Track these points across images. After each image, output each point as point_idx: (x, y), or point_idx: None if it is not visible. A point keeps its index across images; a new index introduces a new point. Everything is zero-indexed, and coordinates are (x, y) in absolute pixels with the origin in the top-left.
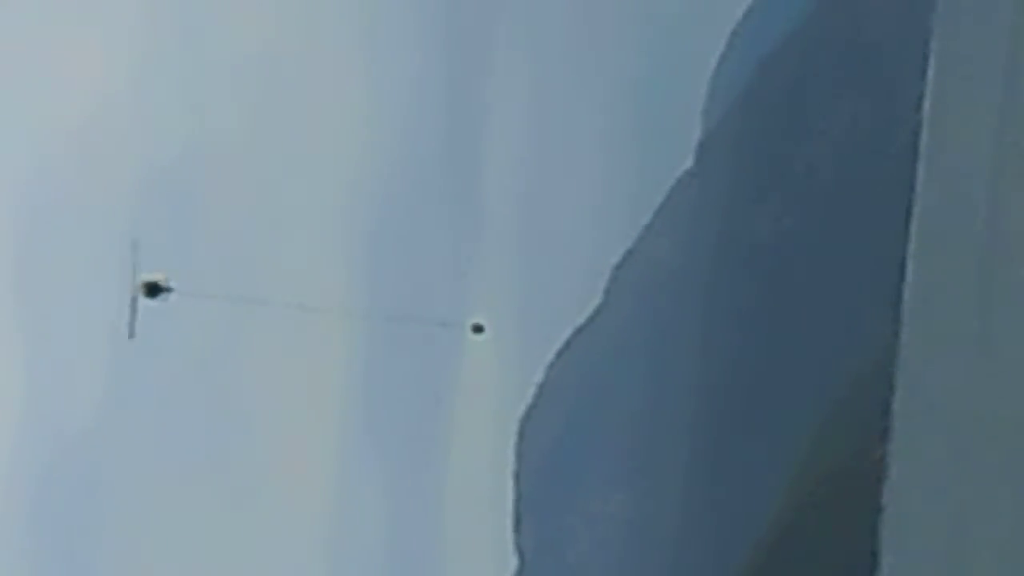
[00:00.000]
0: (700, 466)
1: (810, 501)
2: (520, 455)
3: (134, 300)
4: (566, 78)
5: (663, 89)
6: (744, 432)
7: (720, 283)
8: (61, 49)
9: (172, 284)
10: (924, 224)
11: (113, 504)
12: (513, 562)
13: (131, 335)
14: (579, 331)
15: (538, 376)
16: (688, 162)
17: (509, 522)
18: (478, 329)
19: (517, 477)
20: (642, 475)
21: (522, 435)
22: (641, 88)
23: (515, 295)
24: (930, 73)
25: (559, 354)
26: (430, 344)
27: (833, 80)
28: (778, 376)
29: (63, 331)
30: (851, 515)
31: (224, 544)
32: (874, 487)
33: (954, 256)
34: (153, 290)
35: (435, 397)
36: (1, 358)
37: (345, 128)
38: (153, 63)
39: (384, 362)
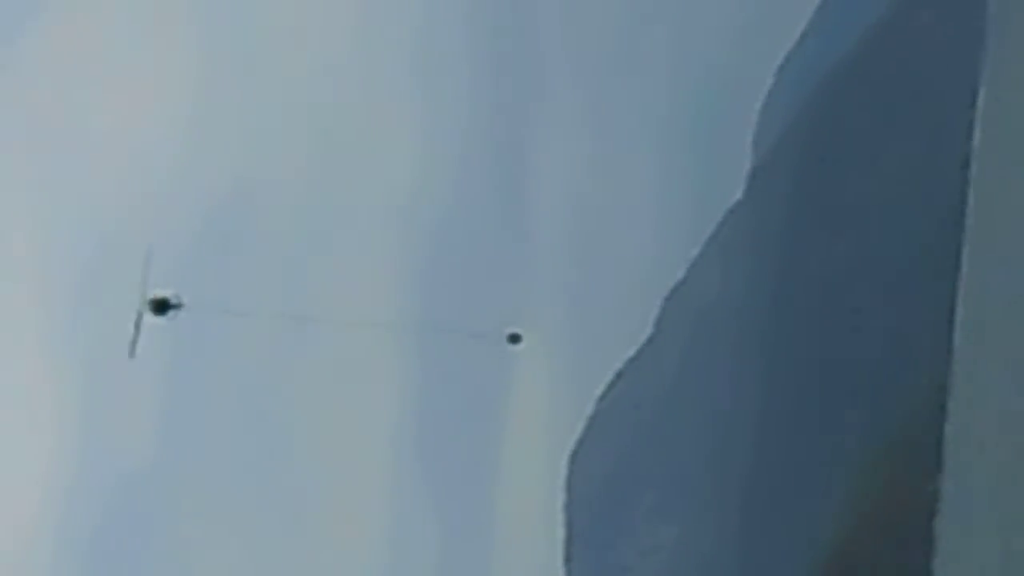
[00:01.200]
0: (753, 499)
1: (863, 534)
2: (570, 488)
3: (139, 317)
4: (617, 109)
5: (713, 120)
6: (797, 465)
7: (771, 313)
8: (118, 81)
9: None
10: (976, 255)
11: (166, 538)
12: None
13: (131, 354)
14: (629, 363)
15: (588, 408)
16: (738, 193)
17: (559, 555)
18: (515, 339)
19: (567, 510)
20: (694, 508)
21: (572, 467)
22: (692, 119)
23: (566, 327)
24: (979, 105)
25: (609, 386)
26: (480, 382)
27: (883, 112)
28: (831, 407)
29: (108, 363)
30: (904, 548)
31: (274, 570)
32: (927, 520)
33: (1006, 289)
34: (161, 307)
35: (485, 435)
36: (49, 401)
37: (397, 154)
38: (208, 93)
39: (434, 394)
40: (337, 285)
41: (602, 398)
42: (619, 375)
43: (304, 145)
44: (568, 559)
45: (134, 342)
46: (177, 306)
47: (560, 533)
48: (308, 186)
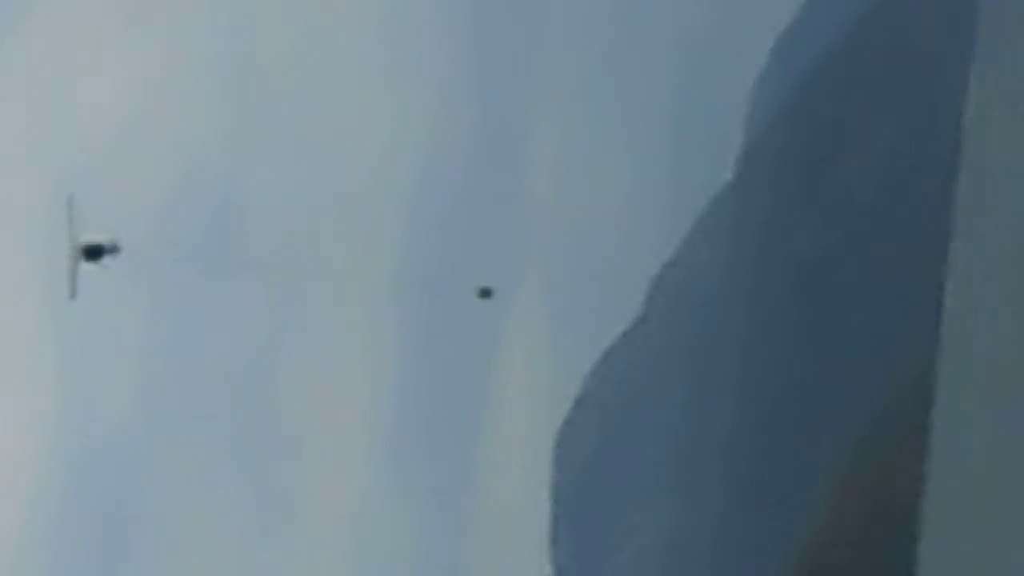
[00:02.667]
0: (739, 478)
1: (849, 516)
2: (557, 467)
3: (75, 263)
4: (603, 89)
5: (703, 100)
6: (783, 445)
7: (759, 297)
8: (94, 56)
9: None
10: (964, 241)
11: (140, 502)
12: None
13: (72, 295)
14: (619, 341)
15: (575, 387)
16: (728, 174)
17: (545, 535)
18: (485, 293)
19: (554, 489)
20: (682, 486)
21: (559, 446)
22: (680, 99)
23: (549, 307)
24: (970, 91)
25: (596, 365)
26: (464, 354)
27: (874, 96)
28: (817, 390)
29: (87, 323)
30: (890, 531)
31: (245, 542)
32: (914, 504)
33: (994, 273)
34: (93, 253)
35: (468, 409)
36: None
37: (371, 128)
38: (180, 61)
39: (414, 363)
40: (317, 239)
41: (588, 377)
42: (605, 356)
43: (296, 126)
44: (555, 540)
45: (72, 283)
46: (113, 251)
47: (546, 512)
48: (296, 155)
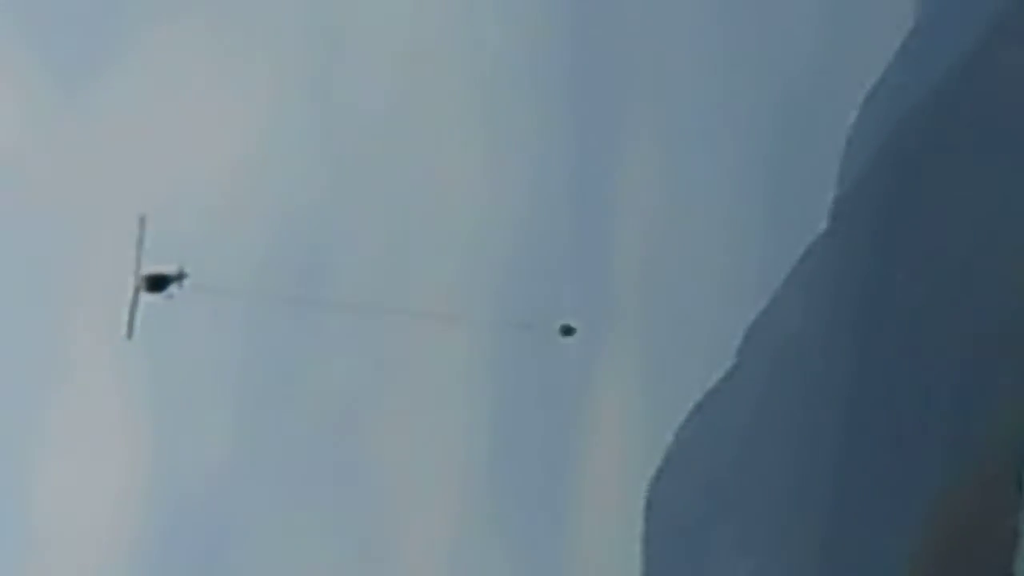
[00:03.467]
0: (833, 530)
1: (942, 567)
2: (649, 518)
3: (136, 298)
4: (698, 142)
5: (797, 153)
6: (876, 499)
7: (854, 346)
8: (196, 108)
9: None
10: None
11: (239, 543)
12: None
13: (129, 335)
14: (709, 395)
15: (668, 437)
16: (822, 225)
17: None
18: (568, 331)
19: (645, 540)
20: (774, 541)
21: (651, 498)
22: (775, 151)
23: (646, 358)
24: None
25: (689, 418)
26: (558, 417)
27: (963, 150)
28: (910, 442)
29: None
30: None
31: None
32: (1007, 555)
33: None
34: (158, 284)
35: (562, 463)
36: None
37: (467, 200)
38: (285, 132)
39: (513, 429)
40: (409, 279)
41: (682, 429)
42: (699, 407)
43: (379, 171)
44: None
45: (130, 321)
46: (180, 278)
47: (637, 564)
48: (385, 198)
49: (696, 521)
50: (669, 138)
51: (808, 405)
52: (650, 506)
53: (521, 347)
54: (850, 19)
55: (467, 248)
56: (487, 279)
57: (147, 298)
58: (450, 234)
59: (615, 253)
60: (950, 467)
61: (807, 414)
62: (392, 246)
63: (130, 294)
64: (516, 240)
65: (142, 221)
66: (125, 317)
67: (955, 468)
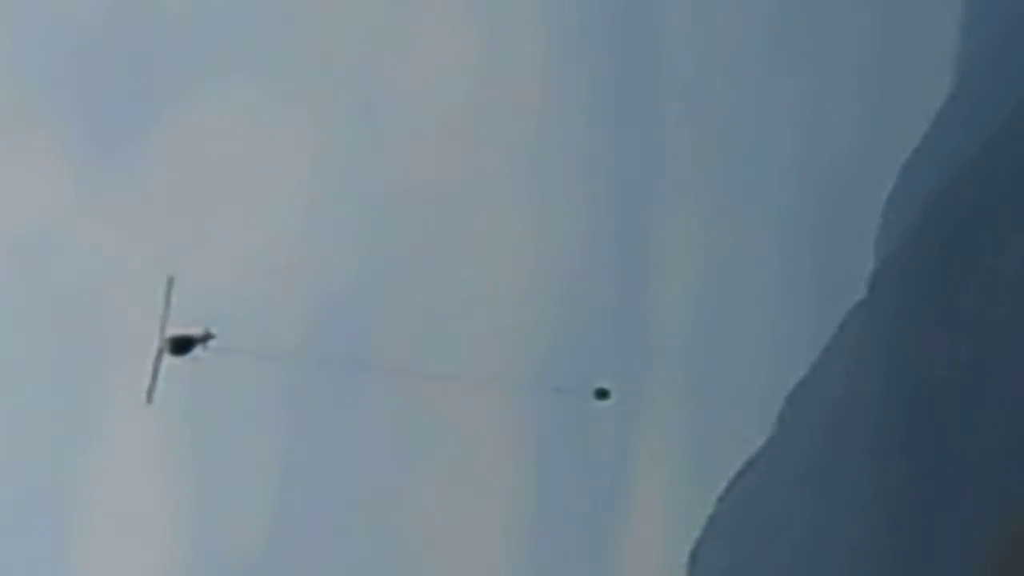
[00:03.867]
0: None
1: None
2: None
3: (159, 361)
4: (739, 206)
5: (836, 220)
6: (931, 565)
7: (892, 415)
8: (237, 182)
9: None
10: None
11: None
12: None
13: (150, 400)
14: (750, 464)
15: (707, 508)
16: (861, 293)
17: None
18: (602, 395)
19: None
20: None
21: (692, 568)
22: (814, 219)
23: (686, 424)
24: None
25: (730, 486)
26: (599, 483)
27: (1004, 214)
28: (959, 512)
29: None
30: None
31: None
32: None
33: None
34: (182, 347)
35: (603, 533)
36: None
37: (512, 272)
38: (326, 194)
39: (555, 494)
40: (454, 343)
41: (722, 499)
42: (739, 475)
43: (422, 216)
44: None
45: (152, 385)
46: (206, 339)
47: None
48: (430, 252)
49: None
50: (709, 205)
51: (845, 474)
52: (690, 574)
53: (559, 412)
54: (888, 86)
55: (510, 315)
56: (530, 346)
57: (187, 366)
58: (494, 301)
59: (657, 321)
60: (1004, 527)
61: (848, 482)
62: (434, 312)
63: (153, 357)
64: (559, 308)
65: (170, 282)
66: (147, 382)
67: (1009, 527)
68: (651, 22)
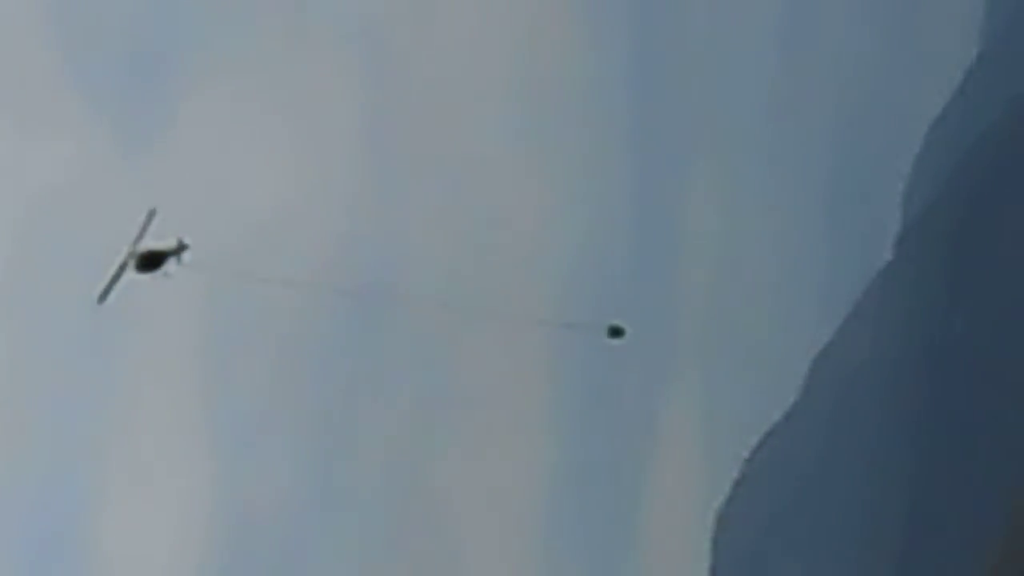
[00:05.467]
0: (903, 560)
1: None
2: (716, 550)
3: (120, 271)
4: (765, 169)
5: (860, 183)
6: (950, 529)
7: (920, 376)
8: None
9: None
10: None
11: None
12: None
13: (101, 301)
14: (778, 426)
15: (733, 470)
16: (887, 255)
17: None
18: (616, 332)
19: (713, 572)
20: (844, 572)
21: (718, 529)
22: (838, 181)
23: (711, 388)
24: None
25: (757, 448)
26: (623, 444)
27: None
28: (982, 469)
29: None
30: None
31: None
32: None
33: None
34: (150, 263)
35: (630, 490)
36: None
37: (536, 244)
38: (366, 202)
39: (580, 459)
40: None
41: (749, 460)
42: (767, 437)
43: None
44: None
45: (106, 291)
46: (180, 250)
47: None
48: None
49: (764, 557)
50: (738, 168)
51: (874, 437)
52: (717, 538)
53: (593, 394)
54: (914, 48)
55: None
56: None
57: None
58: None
59: (679, 285)
60: (1016, 505)
61: (872, 447)
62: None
63: (116, 266)
64: (579, 280)
65: (151, 213)
66: (102, 286)
67: (1019, 504)
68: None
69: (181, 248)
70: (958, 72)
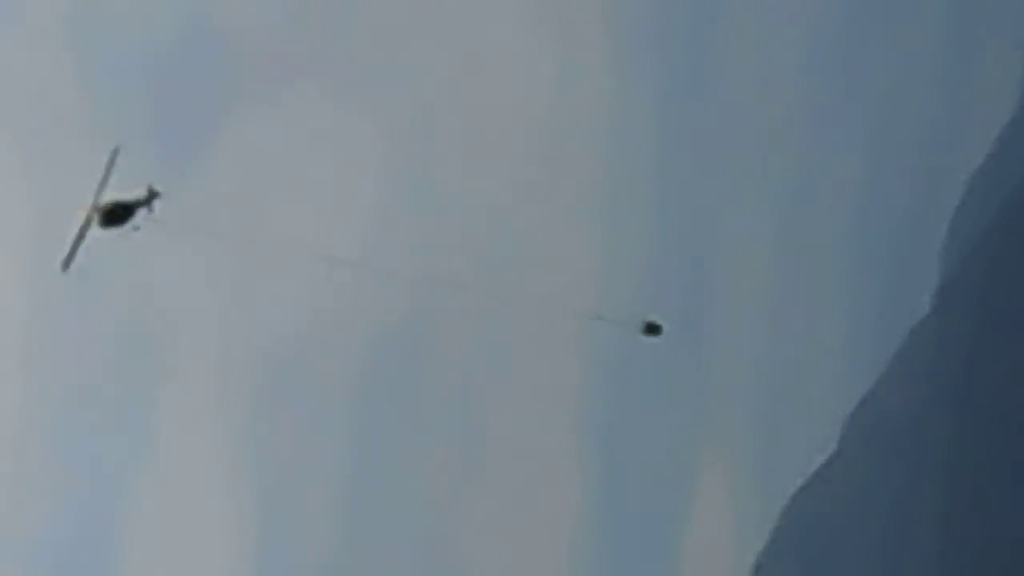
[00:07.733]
0: None
1: None
2: None
3: (85, 226)
4: (805, 221)
5: (902, 233)
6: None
7: (957, 431)
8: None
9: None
10: None
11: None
12: None
13: (66, 268)
14: (813, 477)
15: (772, 520)
16: (926, 308)
17: None
18: (652, 329)
19: None
20: None
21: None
22: (881, 232)
23: (751, 439)
24: None
25: (793, 500)
26: (662, 491)
27: None
28: (1013, 530)
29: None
30: None
31: None
32: None
33: None
34: (114, 218)
35: (666, 546)
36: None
37: (577, 275)
38: (390, 217)
39: (618, 508)
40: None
41: (786, 511)
42: (802, 489)
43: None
44: None
45: (70, 254)
46: (152, 198)
47: None
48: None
49: None
50: (777, 216)
51: (905, 490)
52: None
53: (640, 449)
54: (955, 99)
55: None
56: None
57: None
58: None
59: (721, 337)
60: None
61: (908, 501)
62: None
63: (79, 224)
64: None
65: (115, 152)
66: (66, 250)
67: None
68: (720, 22)
69: (152, 196)
70: (1000, 122)
